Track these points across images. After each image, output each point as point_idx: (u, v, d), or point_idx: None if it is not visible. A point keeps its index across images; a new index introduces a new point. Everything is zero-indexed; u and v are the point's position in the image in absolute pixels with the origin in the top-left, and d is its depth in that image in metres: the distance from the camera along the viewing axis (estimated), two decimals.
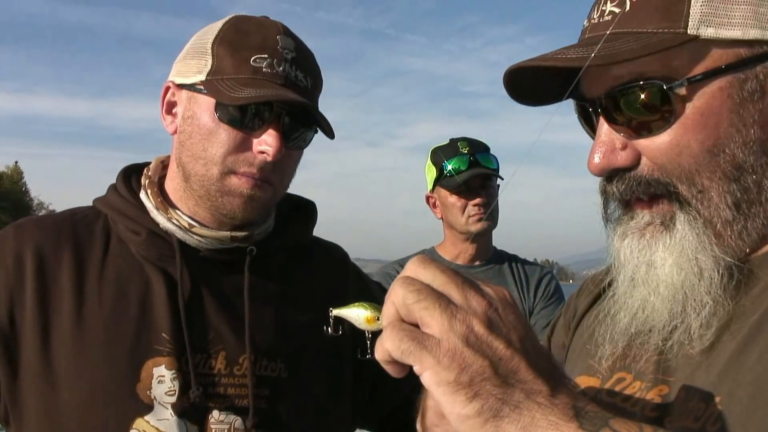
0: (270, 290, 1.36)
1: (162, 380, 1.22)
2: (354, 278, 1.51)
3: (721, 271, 0.81)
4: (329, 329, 0.78)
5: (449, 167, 2.70)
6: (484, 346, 0.62)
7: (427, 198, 2.89)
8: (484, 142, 2.81)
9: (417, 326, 0.64)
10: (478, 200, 2.69)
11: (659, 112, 0.80)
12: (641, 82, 0.80)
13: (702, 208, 0.81)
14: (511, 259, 2.91)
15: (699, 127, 0.79)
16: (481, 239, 2.80)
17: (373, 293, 1.52)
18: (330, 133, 1.32)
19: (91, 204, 1.39)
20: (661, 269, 0.83)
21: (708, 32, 0.78)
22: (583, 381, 0.94)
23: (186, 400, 1.22)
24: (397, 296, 0.64)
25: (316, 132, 1.33)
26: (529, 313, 2.79)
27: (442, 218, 2.84)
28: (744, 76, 0.79)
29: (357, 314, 0.73)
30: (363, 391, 1.46)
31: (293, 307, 1.37)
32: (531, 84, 0.88)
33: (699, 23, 0.78)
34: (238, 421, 1.25)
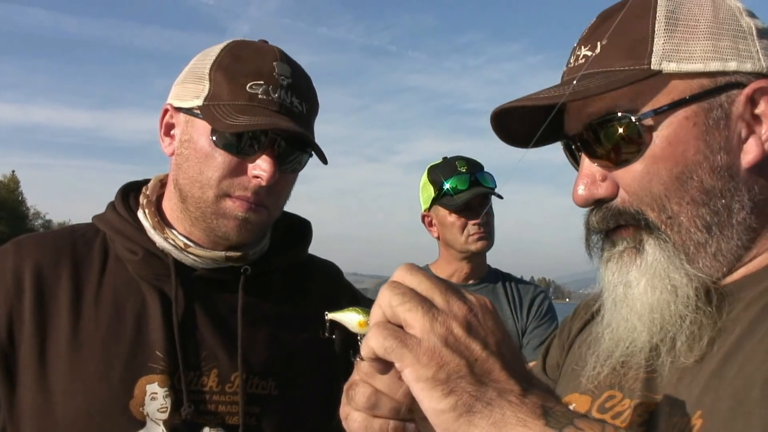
0: (264, 309, 1.38)
1: (155, 397, 1.24)
2: (347, 296, 1.53)
3: (695, 287, 0.86)
4: (324, 332, 0.81)
5: (447, 186, 2.71)
6: (462, 347, 0.66)
7: (423, 217, 2.88)
8: (478, 161, 2.84)
9: (402, 328, 0.68)
10: (477, 220, 2.71)
11: (631, 143, 0.86)
12: (613, 116, 0.87)
13: (672, 233, 0.87)
14: (505, 278, 2.92)
15: (667, 155, 0.85)
16: (477, 258, 2.81)
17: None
18: (323, 159, 1.35)
19: (89, 219, 1.41)
20: (636, 288, 0.88)
21: (670, 66, 0.85)
22: (575, 399, 0.98)
23: (177, 417, 1.24)
24: (384, 299, 0.68)
25: (310, 155, 1.36)
26: (522, 332, 2.79)
27: (438, 237, 2.85)
28: (708, 105, 0.85)
29: (350, 318, 0.76)
30: None
31: (286, 326, 1.39)
32: (518, 125, 0.94)
33: (661, 59, 0.85)
34: None
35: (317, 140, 1.36)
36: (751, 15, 0.90)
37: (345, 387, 0.77)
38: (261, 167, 1.25)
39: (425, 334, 0.65)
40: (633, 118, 0.85)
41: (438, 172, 2.78)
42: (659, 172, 0.85)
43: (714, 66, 0.85)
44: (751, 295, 0.84)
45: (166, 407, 1.24)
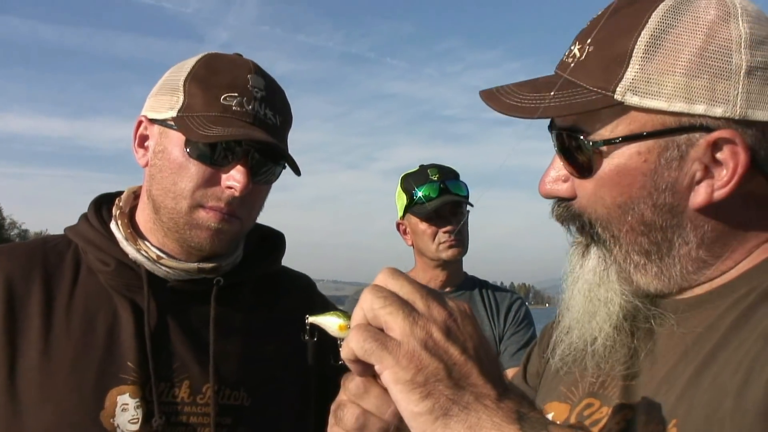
0: (236, 321, 1.39)
1: (126, 408, 1.24)
2: (319, 308, 1.53)
3: (621, 305, 0.89)
4: (305, 336, 0.82)
5: (419, 194, 2.73)
6: (441, 351, 0.67)
7: (398, 225, 2.91)
8: (454, 168, 2.85)
9: (383, 331, 0.69)
10: (448, 228, 2.73)
11: (585, 161, 0.88)
12: (573, 133, 0.88)
13: (614, 250, 0.89)
14: (482, 285, 2.94)
15: (613, 183, 0.86)
16: (452, 266, 2.83)
17: None
18: (296, 171, 1.36)
19: (63, 230, 1.41)
20: (575, 284, 0.94)
21: (633, 100, 0.83)
22: (554, 407, 1.00)
23: (149, 429, 1.24)
24: (365, 302, 0.69)
25: (284, 167, 1.37)
26: (500, 338, 2.81)
27: (412, 245, 2.87)
28: (665, 143, 0.83)
29: (331, 322, 0.77)
30: (326, 422, 1.48)
31: (259, 337, 1.40)
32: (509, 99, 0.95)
33: (626, 90, 0.83)
34: None
35: (293, 148, 1.37)
36: (756, 46, 0.83)
37: (332, 407, 0.78)
38: (234, 178, 1.26)
39: (405, 337, 0.66)
40: (587, 142, 0.86)
41: (411, 180, 2.80)
42: (604, 197, 0.87)
43: (678, 107, 0.82)
44: (725, 304, 0.85)
45: (138, 418, 1.24)
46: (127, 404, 1.24)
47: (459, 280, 2.89)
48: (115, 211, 1.39)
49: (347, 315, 0.76)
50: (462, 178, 2.86)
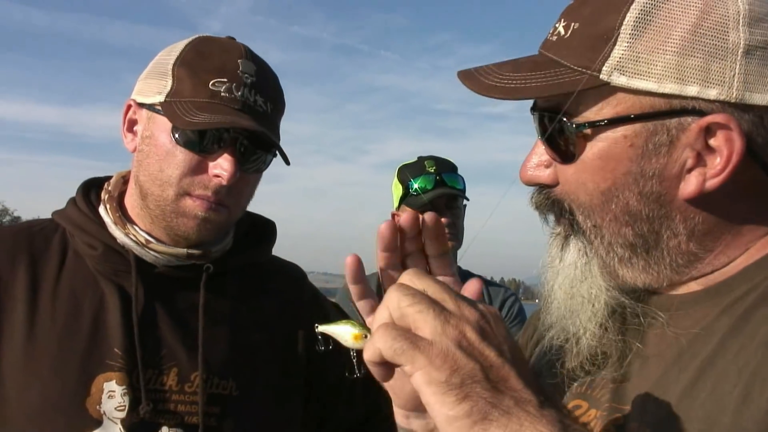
0: (225, 309, 1.37)
1: (112, 395, 1.22)
2: (309, 298, 1.52)
3: (606, 302, 0.84)
4: (320, 347, 0.78)
5: (415, 186, 2.72)
6: (476, 352, 0.62)
7: (393, 216, 2.89)
8: (451, 161, 2.83)
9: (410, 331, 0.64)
10: (442, 220, 2.71)
11: (567, 146, 0.82)
12: (554, 114, 0.82)
13: (596, 241, 0.83)
14: None
15: (596, 169, 0.80)
16: None
17: (328, 314, 1.54)
18: (286, 160, 1.34)
19: (51, 212, 1.38)
20: (555, 278, 0.88)
21: (620, 80, 0.77)
22: None
23: (135, 416, 1.22)
24: (391, 300, 0.65)
25: (275, 155, 1.35)
26: None
27: None
28: (653, 127, 0.77)
29: (343, 331, 0.72)
30: (315, 413, 1.47)
31: (248, 326, 1.38)
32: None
33: (613, 69, 0.77)
34: None
35: (285, 138, 1.34)
36: (755, 23, 0.76)
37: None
38: (222, 166, 1.24)
39: (437, 336, 0.62)
40: (571, 124, 0.80)
41: (407, 171, 2.77)
42: (586, 182, 0.81)
43: (669, 88, 0.75)
44: (723, 304, 0.80)
45: (124, 406, 1.22)
46: (113, 391, 1.22)
47: None
48: (103, 196, 1.36)
49: (360, 323, 0.72)
50: None
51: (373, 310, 0.81)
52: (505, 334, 0.66)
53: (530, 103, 0.88)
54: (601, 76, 0.77)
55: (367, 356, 0.65)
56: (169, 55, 1.30)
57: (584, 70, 0.78)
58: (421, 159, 2.82)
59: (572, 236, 0.86)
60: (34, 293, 1.26)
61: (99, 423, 1.20)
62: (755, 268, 0.80)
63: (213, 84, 1.24)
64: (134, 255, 1.30)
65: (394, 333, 0.63)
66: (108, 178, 1.41)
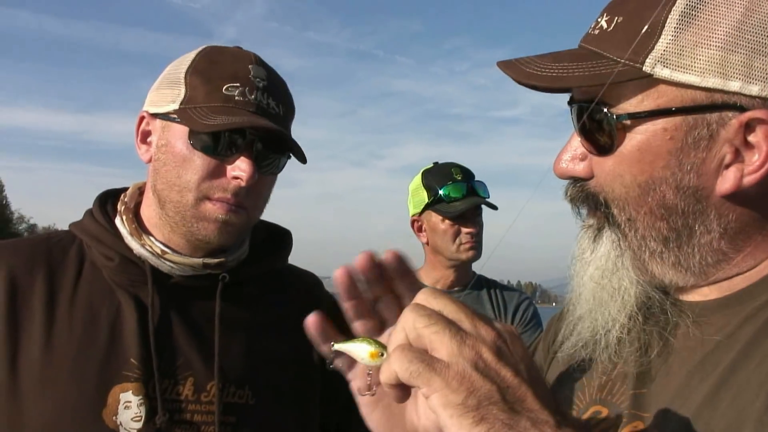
0: (241, 318, 1.37)
1: (128, 406, 1.22)
2: (327, 306, 1.51)
3: (636, 295, 0.84)
4: (331, 365, 0.77)
5: (444, 193, 2.69)
6: (493, 373, 0.62)
7: (413, 221, 2.86)
8: (468, 168, 2.82)
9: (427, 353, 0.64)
10: (471, 229, 2.70)
11: (606, 137, 0.82)
12: (595, 106, 0.82)
13: (629, 234, 0.83)
14: (491, 284, 2.91)
15: (634, 161, 0.80)
16: (463, 266, 2.80)
17: (345, 322, 1.53)
18: (302, 159, 1.35)
19: (68, 224, 1.40)
20: (586, 270, 0.88)
21: (663, 73, 0.77)
22: None
23: (152, 426, 1.22)
24: (407, 321, 0.65)
25: (289, 158, 1.36)
26: None
27: (427, 242, 2.82)
28: (694, 121, 0.77)
29: (360, 349, 0.71)
30: (332, 421, 1.46)
31: (264, 335, 1.38)
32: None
33: (656, 62, 0.77)
34: None
35: (299, 143, 1.35)
36: None
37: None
38: (240, 168, 1.25)
39: (453, 357, 0.62)
40: (611, 115, 0.80)
41: (433, 178, 2.76)
42: (623, 174, 0.81)
43: (712, 82, 0.75)
44: (745, 312, 0.79)
45: (141, 416, 1.22)
46: (130, 402, 1.22)
47: (468, 279, 2.87)
48: (120, 207, 1.37)
49: (376, 341, 0.71)
50: None
51: (374, 329, 0.79)
52: (522, 354, 0.65)
53: (549, 107, 0.88)
54: (644, 68, 0.77)
55: (384, 378, 0.65)
56: (180, 64, 1.32)
57: (627, 62, 0.78)
58: (443, 165, 2.81)
59: (606, 229, 0.86)
60: (52, 304, 1.27)
61: None
62: None
63: (227, 89, 1.26)
64: (150, 265, 1.30)
65: (410, 355, 0.62)
66: (124, 190, 1.43)
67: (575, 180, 0.88)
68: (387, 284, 0.77)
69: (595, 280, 0.86)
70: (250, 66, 1.29)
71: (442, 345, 0.62)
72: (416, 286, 0.76)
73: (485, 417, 0.60)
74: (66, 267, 1.31)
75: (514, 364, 0.63)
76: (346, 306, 0.77)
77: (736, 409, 0.72)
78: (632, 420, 0.83)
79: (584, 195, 0.87)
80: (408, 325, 0.65)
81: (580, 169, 0.87)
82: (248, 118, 1.24)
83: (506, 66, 0.86)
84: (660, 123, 0.79)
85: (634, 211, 0.82)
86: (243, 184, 1.25)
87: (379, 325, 0.79)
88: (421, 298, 0.67)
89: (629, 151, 0.81)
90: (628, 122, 0.80)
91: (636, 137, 0.80)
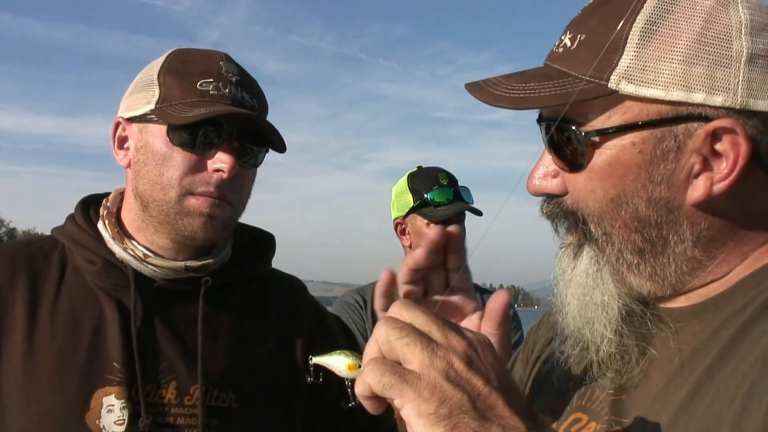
0: (224, 321, 1.38)
1: (111, 410, 1.22)
2: (311, 310, 1.53)
3: (618, 309, 0.85)
4: (310, 378, 0.79)
5: (430, 197, 2.69)
6: (463, 382, 0.64)
7: (397, 224, 2.85)
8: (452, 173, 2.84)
9: (399, 364, 0.66)
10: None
11: (576, 154, 0.83)
12: (563, 124, 0.83)
13: (607, 248, 0.85)
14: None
15: (605, 176, 0.82)
16: None
17: (330, 326, 1.54)
18: (281, 147, 1.36)
19: (50, 229, 1.40)
20: (568, 289, 0.89)
21: (628, 88, 0.78)
22: None
23: (135, 430, 1.23)
24: (380, 334, 0.66)
25: (267, 151, 1.38)
26: None
27: (410, 246, 2.83)
28: (661, 134, 0.79)
29: (338, 362, 0.73)
30: (316, 426, 1.47)
31: (247, 339, 1.39)
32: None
33: (621, 78, 0.78)
34: None
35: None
36: (757, 33, 0.79)
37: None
38: (221, 160, 1.26)
39: (425, 368, 0.63)
40: (579, 132, 0.82)
41: (419, 182, 2.77)
42: (595, 189, 0.83)
43: (677, 96, 0.77)
44: (722, 317, 0.81)
45: (124, 420, 1.22)
46: (112, 405, 1.22)
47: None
48: (102, 212, 1.38)
49: (355, 354, 0.73)
50: None
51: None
52: (493, 362, 0.67)
53: (531, 112, 0.90)
54: (609, 85, 0.79)
55: (358, 391, 0.67)
56: (151, 68, 1.34)
57: (592, 80, 0.80)
58: (428, 169, 2.82)
59: (585, 245, 0.87)
60: (34, 309, 1.27)
61: None
62: (751, 280, 0.82)
63: (201, 84, 1.28)
64: (132, 269, 1.31)
65: (382, 368, 0.64)
66: (107, 195, 1.43)
67: (550, 197, 0.89)
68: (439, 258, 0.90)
69: (578, 297, 0.87)
70: (221, 63, 1.32)
71: (413, 356, 0.64)
72: (463, 263, 0.90)
73: (457, 425, 0.62)
74: (48, 272, 1.31)
75: (485, 373, 0.65)
76: (403, 289, 0.89)
77: (714, 412, 0.73)
78: (611, 427, 0.84)
79: (561, 211, 0.88)
80: (381, 338, 0.66)
81: (553, 185, 0.88)
82: (227, 108, 1.26)
83: (475, 89, 0.88)
84: (628, 137, 0.80)
85: (609, 226, 0.83)
86: (225, 175, 1.26)
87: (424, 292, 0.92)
88: (393, 311, 0.69)
89: (599, 166, 0.82)
90: (597, 138, 0.81)
91: (605, 153, 0.81)
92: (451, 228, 0.85)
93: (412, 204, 2.75)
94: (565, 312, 0.90)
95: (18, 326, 1.25)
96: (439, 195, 2.70)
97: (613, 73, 0.79)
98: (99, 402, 1.22)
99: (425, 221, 2.72)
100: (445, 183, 2.74)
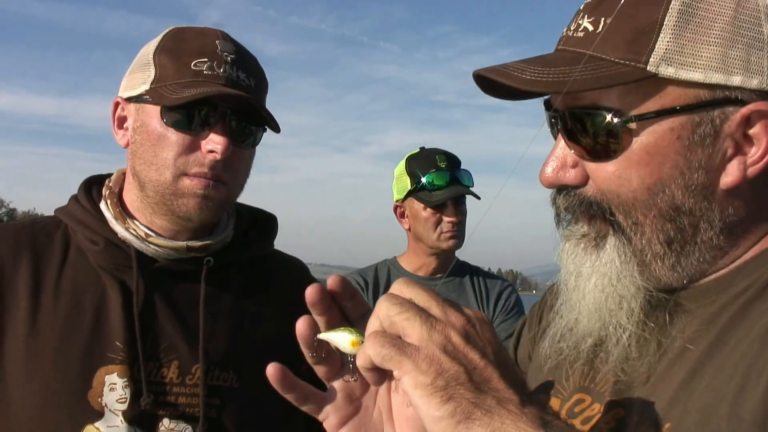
0: (226, 301, 1.38)
1: (113, 388, 1.24)
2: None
3: (642, 300, 0.84)
4: (313, 354, 0.80)
5: (427, 180, 2.67)
6: (460, 355, 0.66)
7: (396, 207, 2.85)
8: (455, 155, 2.80)
9: (400, 338, 0.68)
10: (453, 219, 2.67)
11: (609, 142, 0.81)
12: (595, 111, 0.81)
13: (635, 239, 0.83)
14: (473, 271, 2.91)
15: (642, 163, 0.80)
16: (445, 253, 2.81)
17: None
18: (276, 128, 1.36)
19: (55, 207, 1.41)
20: (587, 282, 0.87)
21: (668, 71, 0.77)
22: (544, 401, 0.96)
23: (137, 408, 1.24)
24: (381, 309, 0.69)
25: (264, 130, 1.38)
26: None
27: (409, 229, 2.83)
28: (699, 118, 0.78)
29: (342, 338, 0.75)
30: None
31: (249, 318, 1.40)
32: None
33: (660, 60, 0.77)
34: (188, 430, 1.27)
35: (283, 129, 1.36)
36: None
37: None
38: (214, 141, 1.26)
39: (424, 341, 0.66)
40: (615, 119, 0.79)
41: (417, 164, 2.74)
42: (630, 178, 0.80)
43: (716, 78, 0.76)
44: (724, 299, 0.81)
45: (126, 398, 1.24)
46: (115, 384, 1.24)
47: (450, 265, 2.87)
48: (104, 192, 1.38)
49: (357, 330, 0.75)
50: None
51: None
52: (490, 338, 0.69)
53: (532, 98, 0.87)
54: (648, 68, 0.77)
55: (359, 363, 0.70)
56: (148, 47, 1.34)
57: (629, 63, 0.78)
58: (428, 151, 2.79)
59: (609, 235, 0.84)
60: (37, 289, 1.28)
61: (101, 415, 1.22)
62: (753, 264, 0.82)
63: (195, 64, 1.28)
64: (135, 249, 1.32)
65: (382, 340, 0.67)
66: (109, 176, 1.44)
67: (566, 188, 0.86)
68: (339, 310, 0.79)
69: (600, 290, 0.85)
70: (216, 41, 1.31)
71: (413, 330, 0.66)
72: (366, 309, 0.78)
73: (453, 396, 0.64)
74: (51, 252, 1.32)
75: (481, 347, 0.67)
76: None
77: (712, 390, 0.74)
78: (614, 407, 0.86)
79: (582, 203, 0.85)
80: (382, 313, 0.68)
81: (571, 176, 0.85)
82: (217, 88, 1.25)
83: (500, 75, 0.83)
84: (666, 123, 0.78)
85: (641, 215, 0.81)
86: (218, 157, 1.26)
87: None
88: (395, 287, 0.71)
89: (637, 153, 0.80)
90: (634, 125, 0.79)
91: (642, 139, 0.79)
92: (330, 281, 0.77)
93: (409, 187, 2.73)
94: (579, 307, 0.88)
95: (21, 305, 1.26)
96: (436, 178, 2.68)
97: (651, 56, 0.77)
98: (101, 380, 1.24)
99: (422, 205, 2.70)
100: (443, 166, 2.71)
